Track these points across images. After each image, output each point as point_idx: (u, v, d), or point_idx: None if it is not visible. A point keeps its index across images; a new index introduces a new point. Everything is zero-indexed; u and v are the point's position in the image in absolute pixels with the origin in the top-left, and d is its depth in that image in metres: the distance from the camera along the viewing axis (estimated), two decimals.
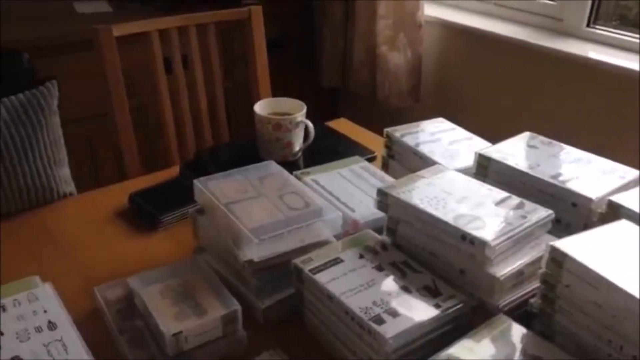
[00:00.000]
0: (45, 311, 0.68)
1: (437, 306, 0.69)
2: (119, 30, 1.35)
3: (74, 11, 2.05)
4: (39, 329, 0.66)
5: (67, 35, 1.84)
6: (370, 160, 1.15)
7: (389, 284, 0.73)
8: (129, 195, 1.03)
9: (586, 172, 0.86)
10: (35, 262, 0.89)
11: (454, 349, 0.63)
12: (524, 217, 0.75)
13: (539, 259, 0.72)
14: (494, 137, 1.04)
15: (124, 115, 1.38)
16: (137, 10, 2.09)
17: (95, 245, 0.93)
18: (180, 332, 0.68)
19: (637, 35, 1.70)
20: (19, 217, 1.00)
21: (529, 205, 0.78)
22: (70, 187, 1.07)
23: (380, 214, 0.86)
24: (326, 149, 1.20)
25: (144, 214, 0.99)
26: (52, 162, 1.01)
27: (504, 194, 0.80)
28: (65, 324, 0.67)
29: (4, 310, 0.68)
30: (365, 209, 0.90)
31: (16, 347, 0.63)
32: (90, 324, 0.73)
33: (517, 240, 0.73)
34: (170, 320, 0.70)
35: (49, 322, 0.67)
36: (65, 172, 1.06)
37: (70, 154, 1.10)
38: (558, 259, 0.65)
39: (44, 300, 0.70)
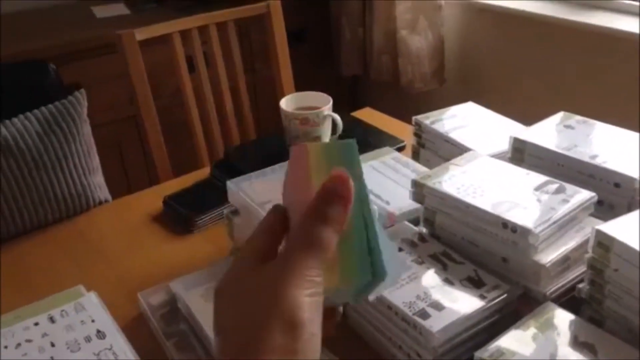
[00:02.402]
0: (93, 320, 0.69)
1: (481, 297, 0.68)
2: (142, 34, 1.35)
3: (93, 16, 2.07)
4: (88, 339, 0.67)
5: (89, 41, 1.85)
6: (400, 149, 1.14)
7: (431, 276, 0.72)
8: (162, 199, 1.04)
9: (626, 150, 0.83)
10: (77, 270, 0.90)
11: (502, 340, 0.62)
12: (566, 200, 0.74)
13: (584, 243, 0.70)
14: (524, 117, 1.02)
15: (152, 118, 1.39)
16: (154, 11, 2.10)
17: (133, 251, 0.94)
18: None
19: None
20: (58, 227, 1.01)
21: (570, 188, 0.76)
22: (105, 194, 1.09)
23: (416, 205, 0.85)
24: (355, 141, 1.19)
25: (178, 216, 1.00)
26: (86, 171, 1.02)
27: (543, 177, 0.78)
28: (113, 331, 0.68)
29: (53, 321, 0.70)
30: (400, 200, 0.89)
31: (68, 357, 0.64)
32: (136, 330, 0.74)
33: (561, 225, 0.71)
34: None
35: (98, 331, 0.68)
36: (99, 179, 1.07)
37: (100, 159, 1.11)
38: (605, 243, 0.64)
39: (90, 310, 0.71)
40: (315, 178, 0.38)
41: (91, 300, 0.73)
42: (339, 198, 0.37)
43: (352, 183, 0.37)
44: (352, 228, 0.38)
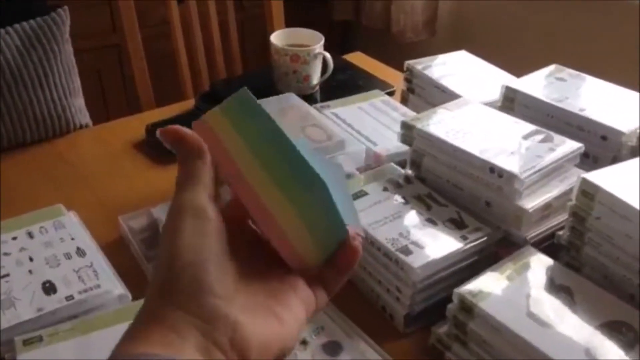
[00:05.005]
0: (72, 238, 0.68)
1: (463, 238, 0.69)
2: None
3: None
4: (68, 256, 0.66)
5: None
6: (390, 94, 1.13)
7: (415, 216, 0.73)
8: (145, 127, 1.01)
9: (616, 105, 0.84)
10: (56, 191, 0.88)
11: (480, 280, 0.63)
12: (553, 149, 0.74)
13: (568, 192, 0.71)
14: (515, 72, 1.01)
15: (136, 45, 1.35)
16: None
17: (114, 176, 0.93)
18: None
19: None
20: (37, 147, 0.99)
21: (557, 138, 0.76)
22: (86, 118, 1.06)
23: (403, 148, 0.84)
24: (344, 83, 1.17)
25: (161, 145, 0.98)
26: (67, 91, 0.99)
27: (531, 126, 0.79)
28: (94, 250, 0.67)
29: (32, 237, 0.68)
30: (388, 142, 0.89)
31: (47, 272, 0.64)
32: (115, 252, 0.73)
33: (546, 173, 0.72)
34: None
35: (78, 248, 0.67)
36: (80, 102, 1.04)
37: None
38: (589, 191, 0.64)
39: (70, 228, 0.70)
40: (231, 148, 0.34)
41: (71, 219, 0.72)
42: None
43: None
44: (296, 191, 0.33)
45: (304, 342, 0.65)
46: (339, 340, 0.66)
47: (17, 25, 0.95)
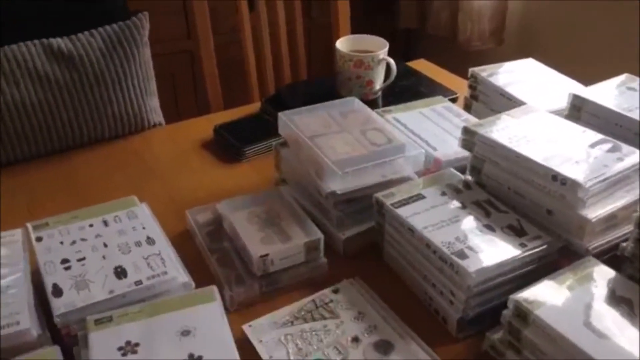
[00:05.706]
0: (144, 228, 0.73)
1: (522, 245, 0.68)
2: None
3: None
4: (138, 244, 0.70)
5: None
6: (452, 101, 1.13)
7: (472, 221, 0.73)
8: (213, 128, 1.06)
9: None
10: (130, 184, 0.94)
11: (537, 288, 0.62)
12: (620, 159, 0.72)
13: (634, 203, 0.69)
14: (585, 82, 0.99)
15: (209, 50, 1.41)
16: None
17: (183, 172, 0.98)
18: (267, 254, 0.72)
19: None
20: (113, 143, 1.05)
21: (625, 148, 0.74)
22: (159, 117, 1.12)
23: (462, 154, 0.84)
24: (407, 89, 1.18)
25: (228, 145, 1.02)
26: (143, 92, 1.05)
27: (599, 135, 0.77)
28: (162, 240, 0.71)
29: (107, 225, 0.73)
30: (448, 148, 0.89)
31: (119, 258, 0.68)
32: (182, 243, 0.77)
33: (612, 183, 0.70)
34: (257, 244, 0.73)
35: (148, 237, 0.71)
36: (155, 102, 1.10)
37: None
38: None
39: (142, 218, 0.75)
40: None
41: (143, 210, 0.77)
42: None
43: None
44: None
45: (355, 340, 0.67)
46: (390, 340, 0.67)
47: (101, 29, 1.02)
